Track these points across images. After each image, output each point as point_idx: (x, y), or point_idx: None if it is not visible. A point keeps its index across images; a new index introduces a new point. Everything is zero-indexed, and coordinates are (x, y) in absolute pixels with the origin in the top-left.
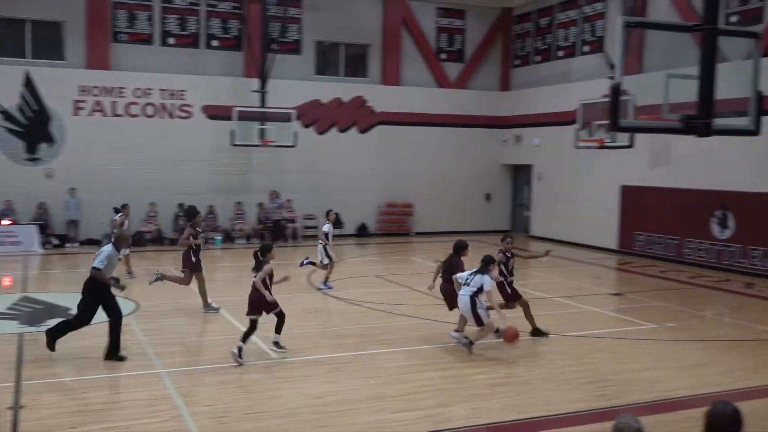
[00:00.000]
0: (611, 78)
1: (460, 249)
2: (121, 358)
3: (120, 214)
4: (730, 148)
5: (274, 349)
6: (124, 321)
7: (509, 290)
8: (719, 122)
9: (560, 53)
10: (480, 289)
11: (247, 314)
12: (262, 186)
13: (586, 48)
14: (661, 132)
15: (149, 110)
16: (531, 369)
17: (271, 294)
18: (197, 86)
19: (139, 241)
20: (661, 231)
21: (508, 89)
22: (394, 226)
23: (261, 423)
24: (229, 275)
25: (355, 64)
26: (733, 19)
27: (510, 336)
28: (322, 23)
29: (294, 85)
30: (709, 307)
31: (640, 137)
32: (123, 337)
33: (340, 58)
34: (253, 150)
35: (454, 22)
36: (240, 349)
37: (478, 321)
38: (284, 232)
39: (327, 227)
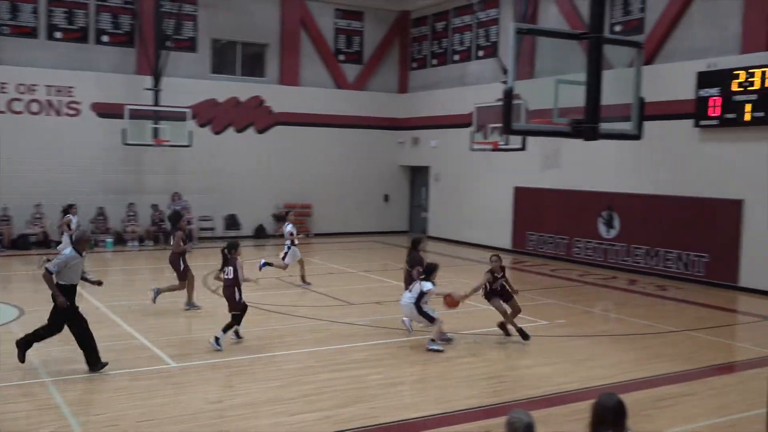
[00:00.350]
0: (504, 82)
1: (417, 243)
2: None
3: (67, 215)
4: (615, 152)
5: (213, 343)
6: (7, 328)
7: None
8: (605, 126)
9: (456, 57)
10: (421, 294)
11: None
12: (155, 187)
13: (481, 53)
14: (551, 135)
15: (34, 107)
16: (427, 368)
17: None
18: (86, 83)
19: (23, 244)
20: (551, 231)
21: (406, 91)
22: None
23: (155, 429)
24: (121, 279)
25: (253, 63)
26: (617, 28)
27: (451, 302)
28: (218, 21)
29: (189, 83)
30: (597, 303)
31: (531, 140)
32: (6, 347)
33: (237, 57)
34: (146, 150)
35: (352, 24)
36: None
37: (429, 319)
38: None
39: (290, 227)
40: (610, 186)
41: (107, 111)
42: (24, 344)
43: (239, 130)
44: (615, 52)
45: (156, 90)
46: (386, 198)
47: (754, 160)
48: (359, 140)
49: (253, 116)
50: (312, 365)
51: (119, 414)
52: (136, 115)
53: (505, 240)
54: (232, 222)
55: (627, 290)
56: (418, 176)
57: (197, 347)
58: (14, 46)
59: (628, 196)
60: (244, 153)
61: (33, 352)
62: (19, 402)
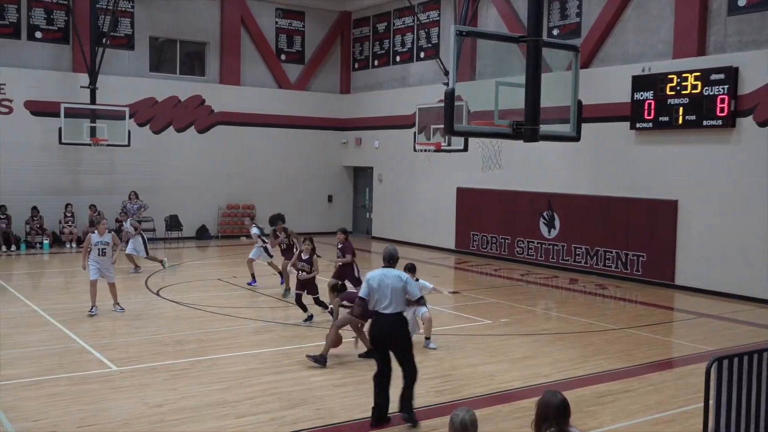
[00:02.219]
0: (446, 84)
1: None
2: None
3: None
4: (555, 153)
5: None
6: None
7: None
8: (545, 128)
9: (398, 58)
10: None
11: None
12: (93, 187)
13: (422, 54)
14: (493, 137)
15: None
16: (372, 368)
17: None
18: (18, 80)
19: None
20: (494, 231)
21: (348, 92)
22: (235, 228)
23: None
24: (58, 281)
25: (193, 62)
26: (555, 32)
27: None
28: (157, 18)
29: (127, 81)
30: (539, 302)
31: (473, 141)
32: None
33: (177, 56)
34: (83, 149)
35: (294, 23)
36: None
37: None
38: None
39: (255, 230)
40: (551, 187)
41: (42, 109)
42: (408, 405)
43: (179, 130)
44: (553, 56)
45: (92, 88)
46: (330, 198)
47: (687, 162)
48: (302, 141)
49: (194, 116)
50: (256, 367)
51: (58, 420)
52: (72, 113)
53: (448, 240)
54: (173, 223)
55: (568, 289)
56: (361, 177)
57: (139, 350)
58: None
59: (568, 196)
60: (185, 153)
61: None
62: None
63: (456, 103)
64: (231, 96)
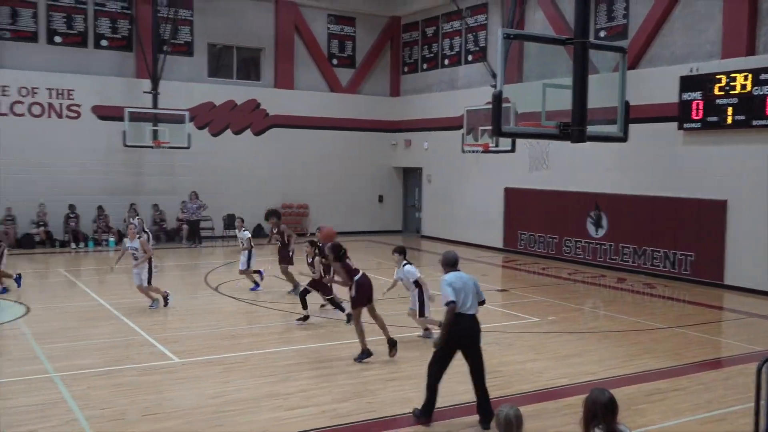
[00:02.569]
0: (494, 86)
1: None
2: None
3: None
4: (602, 154)
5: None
6: (14, 325)
7: None
8: (592, 129)
9: (446, 62)
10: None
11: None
12: (155, 188)
13: (470, 57)
14: (540, 138)
15: (36, 109)
16: (422, 363)
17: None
18: (86, 86)
19: (28, 243)
20: (542, 230)
21: (398, 95)
22: (289, 227)
23: (158, 424)
24: (123, 277)
25: (248, 67)
26: (602, 34)
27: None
28: (214, 26)
29: (186, 86)
30: (587, 300)
31: (520, 142)
32: (13, 342)
33: (234, 61)
34: (146, 151)
35: (345, 29)
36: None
37: None
38: (200, 233)
39: (248, 233)
40: (598, 187)
41: (107, 113)
42: (488, 414)
43: (236, 133)
44: (600, 57)
45: (154, 93)
46: (381, 199)
47: (736, 162)
48: (353, 142)
49: (250, 119)
50: (308, 361)
51: (123, 408)
52: (135, 117)
53: (496, 239)
54: (230, 222)
55: (616, 288)
56: (411, 177)
57: (197, 343)
58: (15, 50)
59: (616, 196)
60: (242, 155)
61: (38, 346)
62: (29, 396)
63: (503, 105)
64: (285, 100)
